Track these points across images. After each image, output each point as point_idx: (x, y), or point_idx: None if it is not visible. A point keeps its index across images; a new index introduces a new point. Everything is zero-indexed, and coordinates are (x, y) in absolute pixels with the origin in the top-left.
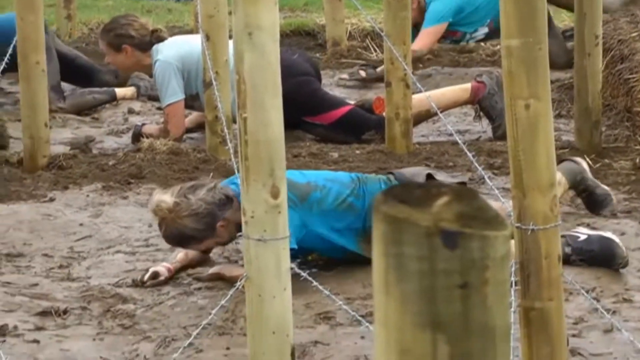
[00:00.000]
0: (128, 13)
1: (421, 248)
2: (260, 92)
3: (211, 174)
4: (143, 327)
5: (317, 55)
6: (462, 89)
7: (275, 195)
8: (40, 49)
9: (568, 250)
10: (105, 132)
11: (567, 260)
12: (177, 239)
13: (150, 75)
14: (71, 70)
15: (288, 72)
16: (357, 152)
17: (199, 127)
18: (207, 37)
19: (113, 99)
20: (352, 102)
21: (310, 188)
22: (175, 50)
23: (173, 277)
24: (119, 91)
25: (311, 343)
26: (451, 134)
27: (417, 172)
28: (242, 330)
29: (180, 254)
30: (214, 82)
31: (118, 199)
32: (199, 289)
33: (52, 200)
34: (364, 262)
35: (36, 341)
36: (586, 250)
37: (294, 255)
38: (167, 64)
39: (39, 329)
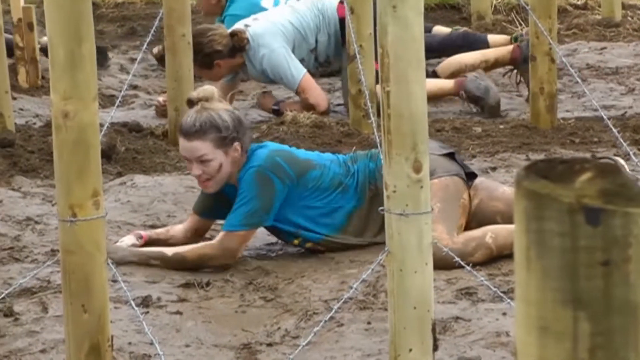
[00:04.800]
0: (204, 28)
1: (563, 224)
2: (403, 66)
3: (354, 148)
4: (285, 301)
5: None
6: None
7: (417, 169)
8: (186, 20)
9: None
10: (249, 105)
11: None
12: (203, 125)
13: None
14: None
15: None
16: (501, 127)
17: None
18: (352, 10)
19: None
20: None
21: (310, 166)
22: (272, 36)
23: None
24: None
25: (452, 319)
26: (596, 109)
27: None
28: (383, 305)
29: (161, 229)
30: (358, 56)
31: None
32: (341, 262)
33: None
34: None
35: (179, 313)
36: None
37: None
38: (276, 53)
39: (181, 300)
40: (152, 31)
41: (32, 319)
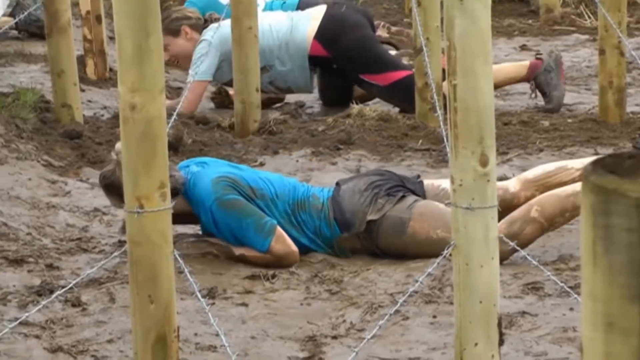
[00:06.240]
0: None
1: (630, 219)
2: (470, 59)
3: (420, 141)
4: (350, 293)
5: (530, 22)
6: (520, 65)
7: (484, 163)
8: (252, 13)
9: None
10: (315, 97)
11: None
12: (110, 184)
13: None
14: None
15: (347, 27)
16: (569, 120)
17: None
18: (419, 3)
19: None
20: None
21: (256, 195)
22: (214, 31)
23: None
24: None
25: (518, 313)
26: None
27: (355, 186)
28: (448, 299)
29: None
30: (425, 49)
31: (327, 164)
32: (405, 256)
33: (262, 164)
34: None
35: (244, 304)
36: None
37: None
38: (200, 45)
39: (247, 292)
40: (218, 24)
41: (99, 309)
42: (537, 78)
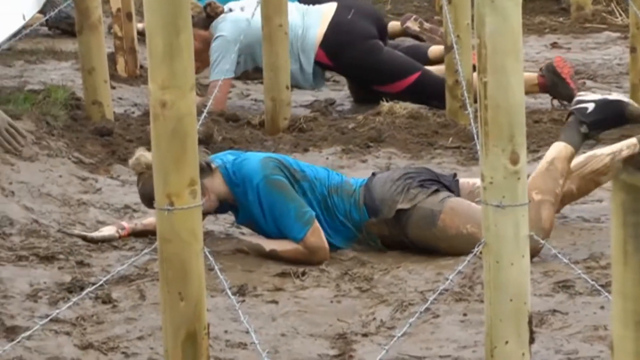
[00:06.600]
0: None
1: None
2: (501, 57)
3: (450, 139)
4: (380, 291)
5: (561, 19)
6: (531, 83)
7: (514, 161)
8: (283, 11)
9: (584, 129)
10: (345, 95)
11: (587, 136)
12: (151, 198)
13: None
14: None
15: (352, 39)
16: None
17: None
18: (449, 0)
19: None
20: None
21: (300, 176)
22: (232, 25)
23: (125, 237)
24: None
25: (549, 312)
26: None
27: (388, 176)
28: (479, 297)
29: (150, 219)
30: (455, 46)
31: (357, 162)
32: (437, 253)
33: None
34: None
35: (275, 302)
36: (599, 120)
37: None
38: (217, 41)
39: (277, 289)
40: (250, 19)
41: (130, 306)
42: (550, 94)
